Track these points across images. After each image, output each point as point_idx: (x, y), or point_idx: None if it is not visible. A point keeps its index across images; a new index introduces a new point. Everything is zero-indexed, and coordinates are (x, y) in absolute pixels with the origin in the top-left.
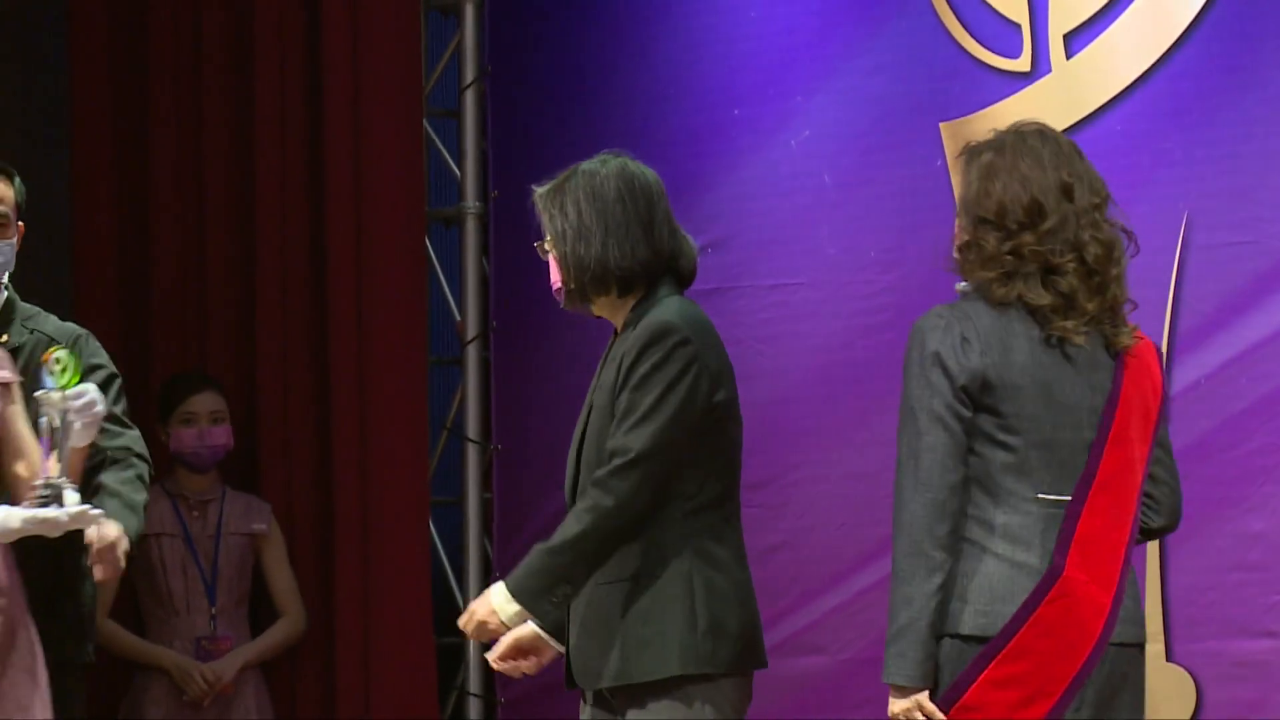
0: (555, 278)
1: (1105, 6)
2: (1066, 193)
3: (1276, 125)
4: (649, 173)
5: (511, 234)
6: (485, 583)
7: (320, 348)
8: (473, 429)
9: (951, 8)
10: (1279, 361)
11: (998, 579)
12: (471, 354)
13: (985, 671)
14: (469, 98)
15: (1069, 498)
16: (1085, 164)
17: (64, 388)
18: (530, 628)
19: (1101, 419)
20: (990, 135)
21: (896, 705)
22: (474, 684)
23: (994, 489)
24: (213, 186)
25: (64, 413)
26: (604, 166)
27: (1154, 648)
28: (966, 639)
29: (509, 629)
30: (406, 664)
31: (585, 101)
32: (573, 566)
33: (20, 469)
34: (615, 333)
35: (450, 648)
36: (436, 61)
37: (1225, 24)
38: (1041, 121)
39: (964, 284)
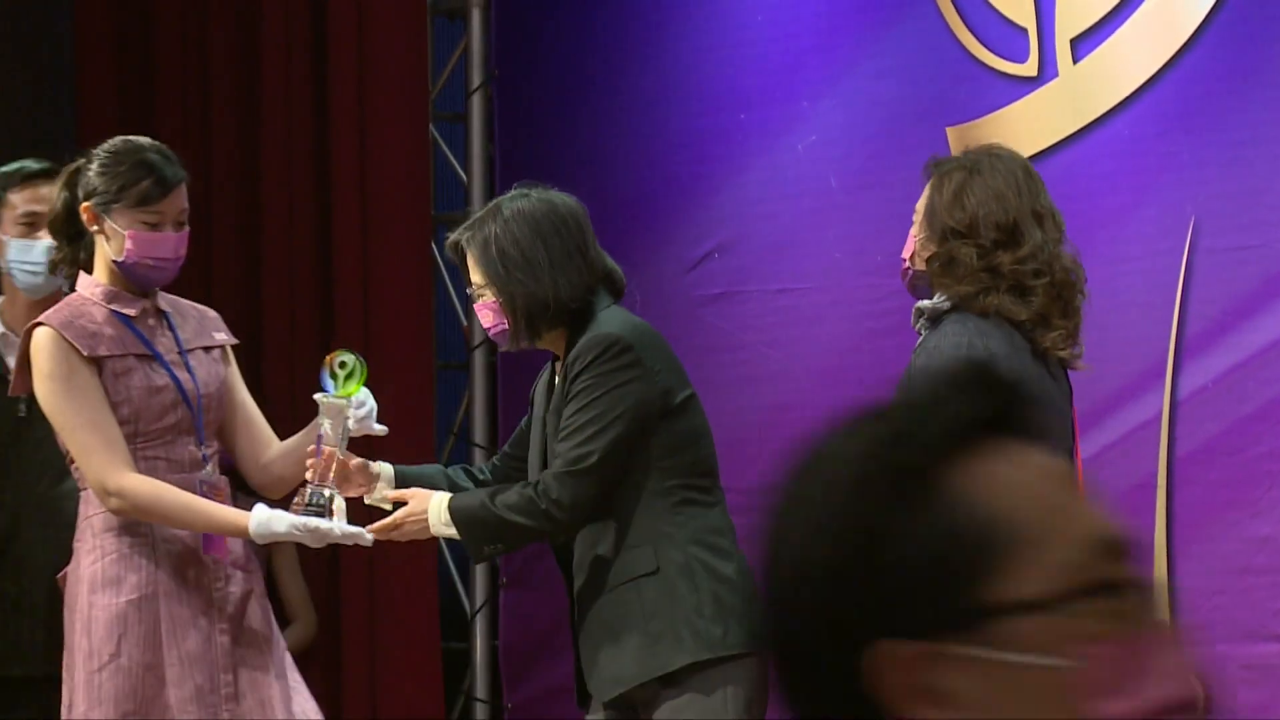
0: (492, 320)
1: (1112, 11)
2: (1038, 220)
3: None
4: (570, 198)
5: None
6: (492, 587)
7: (327, 352)
8: (480, 434)
9: (958, 12)
10: None
11: None
12: (478, 359)
13: None
14: (475, 102)
15: None
16: (1049, 196)
17: (348, 394)
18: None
19: (1071, 427)
20: (960, 154)
21: None
22: (480, 689)
23: None
24: (218, 192)
25: (345, 420)
26: (527, 200)
27: None
28: None
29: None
30: (413, 669)
31: (592, 106)
32: (507, 541)
33: (245, 443)
34: (554, 359)
35: (457, 653)
36: (443, 66)
37: (1232, 28)
38: (1010, 147)
39: (924, 302)
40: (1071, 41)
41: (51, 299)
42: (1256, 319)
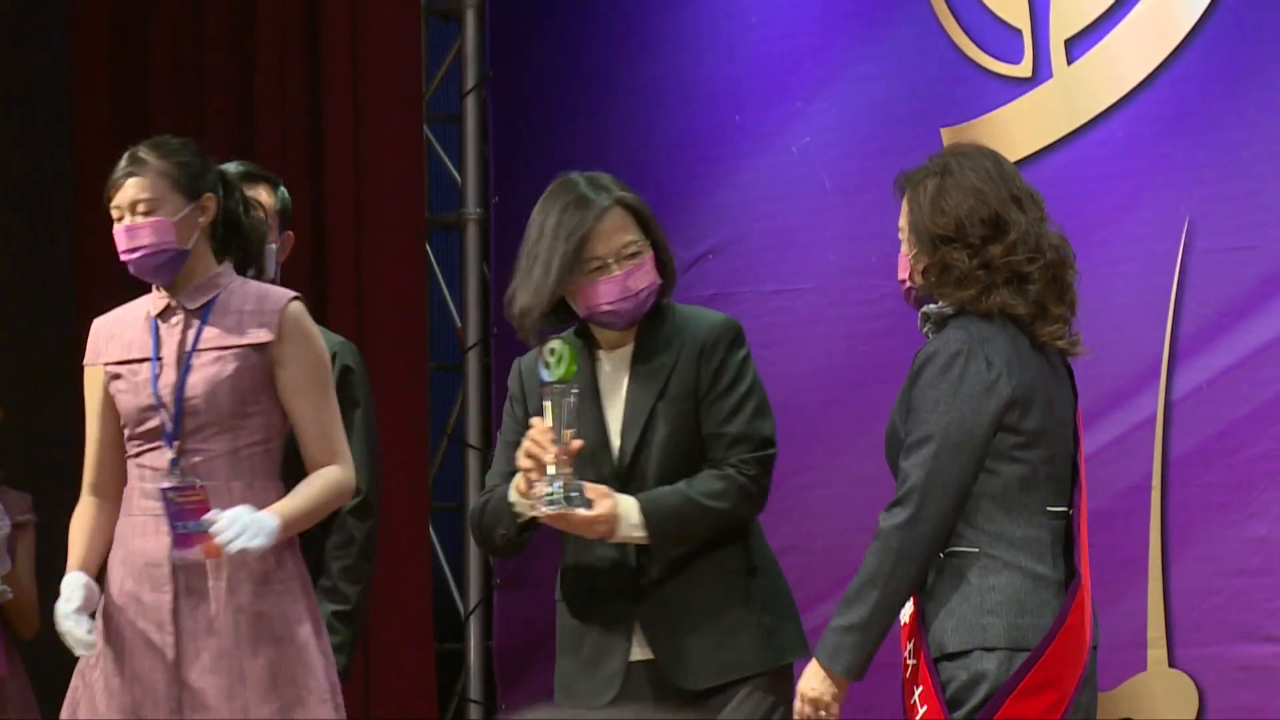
0: (652, 277)
1: (1106, 12)
2: (1018, 204)
3: (1278, 130)
4: None
5: (512, 240)
6: (486, 589)
7: None
8: (473, 435)
9: (952, 12)
10: None
11: (1023, 592)
12: (472, 360)
13: (1023, 682)
14: (470, 103)
15: (1066, 508)
16: (1022, 178)
17: (562, 379)
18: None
19: (1075, 430)
20: (926, 161)
21: (820, 689)
22: (474, 690)
23: (1009, 504)
24: None
25: (564, 405)
26: (609, 177)
27: (1156, 653)
28: (995, 651)
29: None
30: (406, 670)
31: (586, 107)
32: (703, 534)
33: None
34: (599, 350)
35: (451, 654)
36: (437, 67)
37: (1226, 29)
38: (975, 142)
39: (930, 306)
40: (1066, 42)
41: None
42: (1251, 320)
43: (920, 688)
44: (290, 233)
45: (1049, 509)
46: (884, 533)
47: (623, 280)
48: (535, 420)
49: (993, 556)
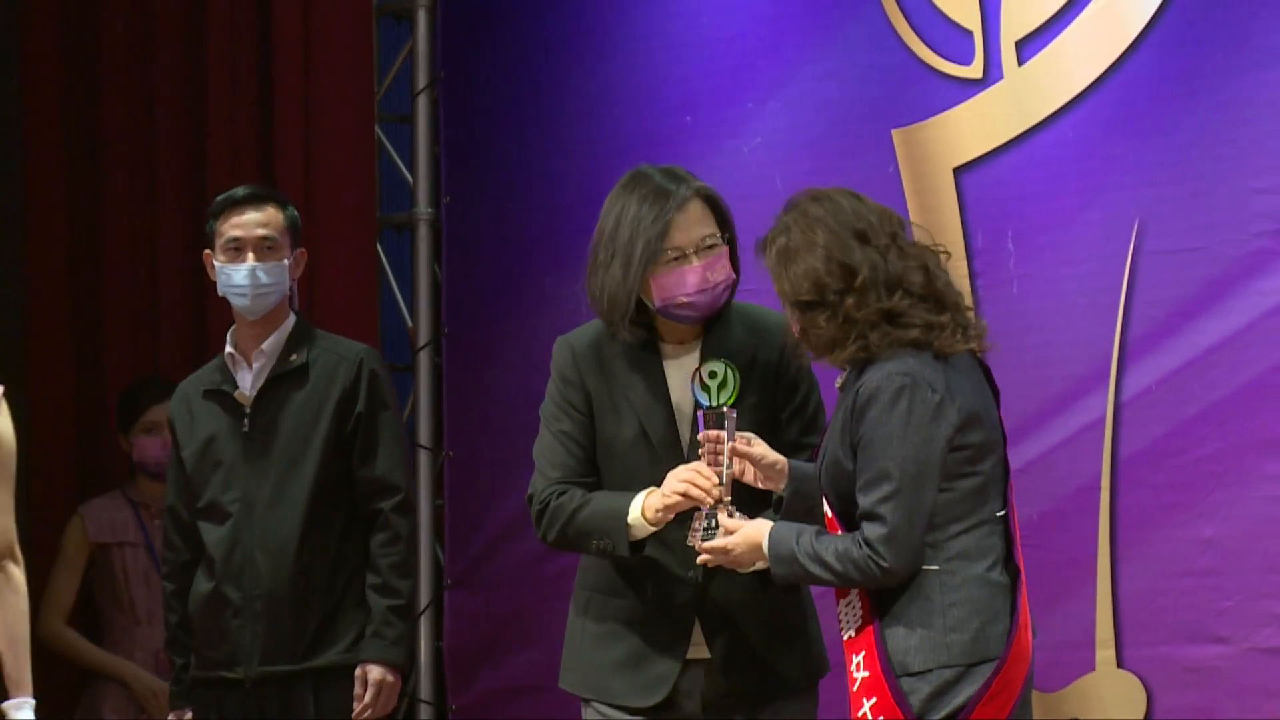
0: (728, 271)
1: (1057, 14)
2: (862, 239)
3: (1227, 132)
4: None
5: (464, 240)
6: (437, 589)
7: None
8: (425, 435)
9: (903, 13)
10: (1230, 368)
11: (982, 603)
12: (423, 360)
13: (989, 691)
14: (421, 103)
15: (1004, 509)
16: (869, 204)
17: (726, 404)
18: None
19: (1001, 428)
20: (773, 222)
21: (743, 550)
22: (425, 690)
23: (964, 517)
24: (165, 192)
25: (727, 430)
26: None
27: (1105, 653)
28: (958, 666)
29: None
30: None
31: (538, 107)
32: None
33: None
34: (663, 344)
35: None
36: (389, 67)
37: (1177, 32)
38: (812, 188)
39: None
40: (1017, 44)
41: (270, 319)
42: (1200, 321)
43: (873, 699)
44: (303, 250)
45: (997, 515)
46: (869, 564)
47: (702, 271)
48: (699, 465)
49: (951, 572)
